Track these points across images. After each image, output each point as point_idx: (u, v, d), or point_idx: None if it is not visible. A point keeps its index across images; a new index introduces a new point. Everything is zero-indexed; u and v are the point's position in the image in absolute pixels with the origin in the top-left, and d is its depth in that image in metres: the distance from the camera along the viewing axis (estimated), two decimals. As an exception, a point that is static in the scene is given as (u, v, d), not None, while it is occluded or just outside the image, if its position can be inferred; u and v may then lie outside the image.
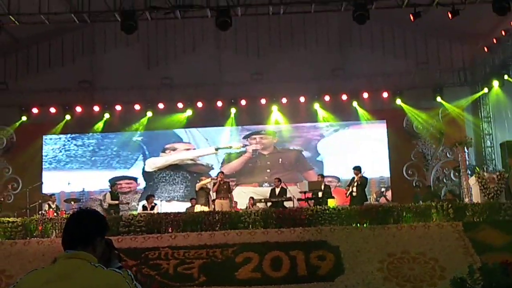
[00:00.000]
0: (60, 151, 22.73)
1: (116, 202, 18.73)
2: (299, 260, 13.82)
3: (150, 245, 14.51)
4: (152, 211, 17.36)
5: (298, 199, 18.18)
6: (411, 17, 16.32)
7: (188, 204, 19.38)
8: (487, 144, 22.10)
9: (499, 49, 20.38)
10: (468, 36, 21.33)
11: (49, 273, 2.94)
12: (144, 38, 21.33)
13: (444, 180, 21.71)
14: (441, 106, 21.97)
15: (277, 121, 22.42)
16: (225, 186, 18.00)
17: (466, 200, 17.06)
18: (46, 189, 21.14)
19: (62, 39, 22.26)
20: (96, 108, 22.10)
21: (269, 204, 17.94)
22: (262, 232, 14.89)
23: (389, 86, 21.93)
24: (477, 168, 17.91)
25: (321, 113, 22.29)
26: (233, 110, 22.15)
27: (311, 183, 18.73)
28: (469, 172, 18.03)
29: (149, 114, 22.16)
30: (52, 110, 22.02)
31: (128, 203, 20.78)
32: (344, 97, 21.96)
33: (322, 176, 18.97)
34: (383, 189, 21.01)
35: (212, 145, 22.71)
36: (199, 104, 22.09)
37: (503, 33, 19.43)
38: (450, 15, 16.00)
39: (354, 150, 21.77)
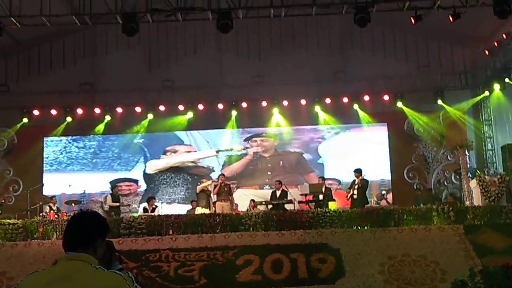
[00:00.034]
0: (61, 153, 22.73)
1: (117, 204, 18.73)
2: (299, 263, 13.82)
3: (151, 247, 14.51)
4: (153, 213, 17.35)
5: (299, 202, 18.16)
6: (412, 20, 16.33)
7: (189, 207, 19.38)
8: (488, 147, 22.09)
9: (500, 52, 20.37)
10: (469, 39, 21.34)
11: (49, 275, 2.94)
12: (145, 40, 21.35)
13: (445, 183, 21.70)
14: (442, 109, 21.97)
15: (278, 123, 22.43)
16: (226, 189, 17.99)
17: (467, 203, 17.06)
18: (47, 191, 21.15)
19: (63, 41, 22.28)
20: (97, 110, 22.11)
21: (270, 206, 17.90)
22: (262, 234, 14.87)
23: (390, 89, 21.93)
24: (478, 171, 17.91)
25: (322, 115, 22.30)
26: (234, 113, 22.16)
27: (312, 185, 18.73)
28: (470, 175, 18.02)
29: (150, 116, 22.17)
30: (53, 112, 22.04)
31: (129, 205, 20.79)
32: (345, 99, 21.96)
33: (323, 179, 18.96)
34: (384, 192, 21.02)
35: (213, 148, 22.71)
36: (200, 107, 22.11)
37: (504, 36, 19.42)
38: (451, 18, 16.00)
39: (355, 152, 21.76)
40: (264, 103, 22.05)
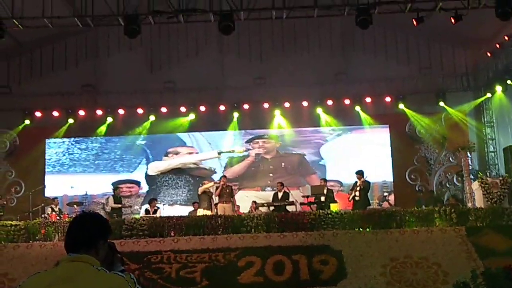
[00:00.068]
0: (64, 155, 22.75)
1: (119, 205, 18.73)
2: (301, 265, 13.82)
3: (152, 249, 14.52)
4: (154, 215, 17.36)
5: (301, 203, 18.17)
6: (414, 22, 16.33)
7: (191, 208, 19.37)
8: (490, 149, 22.07)
9: (502, 54, 20.37)
10: (471, 41, 21.32)
11: (51, 276, 2.94)
12: (147, 42, 21.36)
13: (447, 185, 21.68)
14: (444, 111, 21.95)
15: (279, 125, 22.42)
16: (227, 190, 18.00)
17: (469, 205, 17.04)
18: (49, 192, 21.15)
19: (65, 43, 22.31)
20: (99, 112, 22.12)
21: (271, 208, 17.91)
22: (264, 236, 14.88)
23: (392, 91, 21.92)
24: (480, 173, 17.90)
25: (324, 117, 22.29)
26: (235, 114, 22.16)
27: (313, 187, 18.74)
28: (472, 177, 18.00)
29: (152, 118, 22.18)
30: (55, 113, 22.04)
31: (130, 207, 20.80)
32: (347, 101, 21.95)
33: (325, 181, 18.96)
34: (386, 194, 20.98)
35: (215, 149, 22.71)
36: (202, 108, 22.11)
37: (506, 38, 19.43)
38: (453, 20, 15.99)
39: (356, 154, 21.75)
40: (266, 105, 22.05)
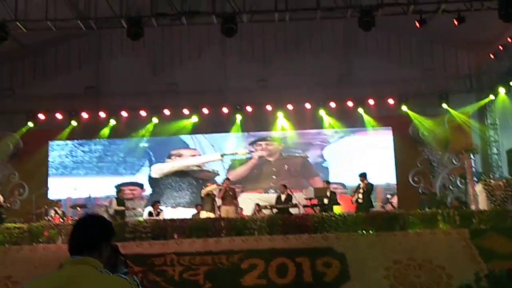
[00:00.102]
0: (67, 157, 22.79)
1: (122, 208, 18.73)
2: (305, 267, 13.80)
3: (155, 251, 14.51)
4: (158, 217, 17.36)
5: (304, 206, 18.16)
6: (417, 24, 16.33)
7: (194, 211, 19.37)
8: (494, 151, 22.02)
9: (505, 56, 20.35)
10: (474, 43, 21.29)
11: (55, 279, 2.95)
12: (150, 44, 21.36)
13: (451, 187, 21.60)
14: (447, 113, 21.90)
15: (282, 127, 22.40)
16: (230, 193, 18.00)
17: (473, 207, 17.00)
18: (52, 195, 21.17)
19: (68, 45, 22.36)
20: (102, 114, 22.13)
21: (275, 210, 17.91)
22: (267, 238, 14.86)
23: (395, 93, 21.89)
24: (484, 175, 17.86)
25: (327, 119, 22.26)
26: (238, 117, 22.15)
27: (317, 189, 18.73)
28: (476, 179, 17.98)
29: (155, 120, 22.18)
30: (59, 116, 22.07)
31: (134, 209, 20.79)
32: (350, 103, 21.93)
33: (328, 183, 18.95)
34: (389, 196, 20.96)
35: (218, 152, 22.71)
36: (205, 110, 22.11)
37: (509, 40, 19.40)
38: (456, 22, 15.99)
39: (360, 156, 21.73)
40: (268, 107, 22.04)
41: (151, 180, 22.63)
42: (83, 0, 17.41)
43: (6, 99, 22.01)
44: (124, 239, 14.70)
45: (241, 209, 18.97)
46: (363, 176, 17.54)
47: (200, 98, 21.99)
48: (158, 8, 16.43)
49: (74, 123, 22.08)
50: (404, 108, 21.87)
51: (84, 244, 3.05)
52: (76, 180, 22.04)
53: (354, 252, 14.10)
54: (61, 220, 17.19)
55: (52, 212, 18.34)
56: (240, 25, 16.41)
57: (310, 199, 18.14)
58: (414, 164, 21.78)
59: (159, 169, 22.68)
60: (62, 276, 2.94)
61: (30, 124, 22.02)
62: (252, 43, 21.81)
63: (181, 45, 22.12)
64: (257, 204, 19.02)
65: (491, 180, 17.06)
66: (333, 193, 18.26)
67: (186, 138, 22.93)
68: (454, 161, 21.55)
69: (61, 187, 21.71)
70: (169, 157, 22.86)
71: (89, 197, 21.61)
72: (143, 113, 22.12)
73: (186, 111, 22.09)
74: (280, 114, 22.12)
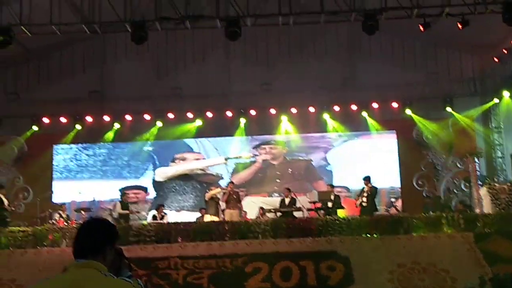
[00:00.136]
0: (71, 161, 22.82)
1: (126, 211, 18.76)
2: (309, 270, 13.79)
3: (159, 255, 14.52)
4: (162, 221, 17.37)
5: (308, 209, 18.14)
6: (421, 28, 16.33)
7: (198, 214, 19.38)
8: (498, 154, 21.97)
9: (509, 59, 20.30)
10: (478, 46, 21.26)
11: (59, 283, 2.95)
12: (154, 48, 21.41)
13: (455, 191, 21.55)
14: (451, 117, 21.86)
15: (286, 131, 22.40)
16: (234, 196, 18.02)
17: (477, 210, 16.97)
18: (57, 198, 21.23)
19: (73, 49, 22.41)
20: (107, 118, 22.18)
21: (278, 214, 17.90)
22: (271, 242, 14.86)
23: (399, 97, 21.87)
24: (488, 179, 17.83)
25: (331, 123, 22.25)
26: (242, 120, 22.17)
27: (320, 193, 18.71)
28: (480, 183, 17.94)
29: (159, 124, 22.21)
30: (63, 120, 22.13)
31: (138, 213, 20.80)
32: (354, 107, 21.92)
33: (332, 186, 18.95)
34: (393, 200, 20.94)
35: (222, 155, 22.72)
36: (209, 114, 22.14)
37: (513, 43, 19.40)
38: (459, 26, 15.99)
39: (363, 160, 21.70)
40: (272, 111, 22.05)
41: (155, 183, 22.66)
42: (87, 4, 17.44)
43: (11, 103, 22.08)
44: (128, 243, 14.72)
45: (245, 212, 18.98)
46: (367, 179, 17.54)
47: (204, 102, 22.01)
48: (162, 12, 16.48)
49: (78, 127, 22.14)
50: (408, 111, 21.85)
51: (89, 248, 3.06)
52: (81, 184, 22.06)
53: (358, 255, 14.09)
54: (66, 224, 17.22)
55: (56, 216, 18.38)
56: (244, 28, 16.46)
57: (314, 202, 18.14)
58: (418, 168, 21.73)
59: (163, 173, 22.70)
60: (67, 279, 2.94)
61: (35, 128, 22.09)
62: (256, 46, 21.83)
63: (185, 49, 22.14)
64: (261, 208, 19.01)
65: (496, 184, 17.03)
66: (337, 197, 18.24)
67: (190, 141, 22.95)
68: (458, 165, 21.50)
69: (66, 191, 21.74)
70: (173, 160, 22.88)
71: (94, 200, 21.64)
72: (147, 117, 22.15)
73: (190, 115, 22.12)
74: (284, 118, 22.12)
